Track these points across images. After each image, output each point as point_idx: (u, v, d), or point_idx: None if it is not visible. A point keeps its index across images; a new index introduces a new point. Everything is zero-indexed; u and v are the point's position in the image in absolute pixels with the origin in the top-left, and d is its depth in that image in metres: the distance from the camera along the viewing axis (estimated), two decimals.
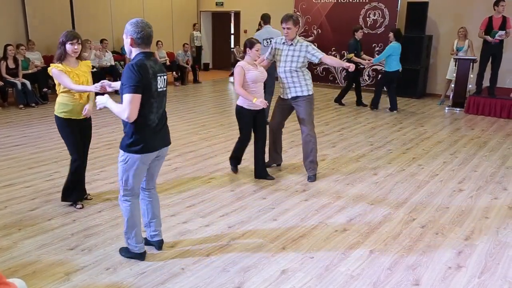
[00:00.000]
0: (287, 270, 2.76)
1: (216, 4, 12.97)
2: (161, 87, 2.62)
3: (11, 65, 7.73)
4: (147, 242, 2.99)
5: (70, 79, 3.29)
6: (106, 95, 2.69)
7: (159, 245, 2.98)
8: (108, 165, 4.77)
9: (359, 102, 8.38)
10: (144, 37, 2.51)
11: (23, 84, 7.67)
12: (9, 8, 8.92)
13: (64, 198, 3.63)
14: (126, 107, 2.45)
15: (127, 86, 2.44)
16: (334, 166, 4.86)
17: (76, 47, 3.34)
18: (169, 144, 2.81)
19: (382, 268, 2.80)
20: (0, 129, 6.22)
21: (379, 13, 9.61)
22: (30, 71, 8.06)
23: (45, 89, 8.10)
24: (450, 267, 2.82)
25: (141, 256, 2.86)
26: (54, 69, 3.30)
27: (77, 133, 3.49)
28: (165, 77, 2.69)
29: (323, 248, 3.04)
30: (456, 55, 8.02)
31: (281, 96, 4.43)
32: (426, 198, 3.98)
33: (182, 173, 4.49)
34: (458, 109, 7.99)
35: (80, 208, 3.61)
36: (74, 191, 3.61)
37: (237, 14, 13.05)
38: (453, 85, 8.03)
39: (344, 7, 10.03)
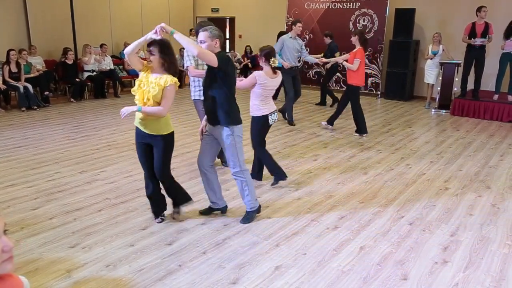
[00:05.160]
0: (281, 266, 2.83)
1: (212, 10, 13.07)
2: None
3: (14, 69, 7.79)
4: (209, 211, 3.60)
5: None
6: None
7: (223, 209, 3.64)
8: (108, 165, 4.80)
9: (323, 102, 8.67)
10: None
11: (25, 87, 7.74)
12: (11, 14, 9.02)
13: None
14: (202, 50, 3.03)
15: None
16: (326, 166, 4.97)
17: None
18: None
19: (372, 264, 2.89)
20: (3, 131, 6.24)
21: (368, 19, 9.80)
22: (32, 75, 8.14)
23: (46, 93, 8.17)
24: (437, 262, 2.92)
25: (259, 208, 3.58)
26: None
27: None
28: None
29: (315, 245, 3.12)
30: (431, 59, 8.28)
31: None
32: (414, 196, 4.10)
33: (179, 173, 4.55)
34: (444, 111, 8.20)
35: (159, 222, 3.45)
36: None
37: (232, 20, 13.17)
38: (438, 88, 8.24)
39: (335, 13, 10.19)
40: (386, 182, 4.46)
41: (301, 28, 6.81)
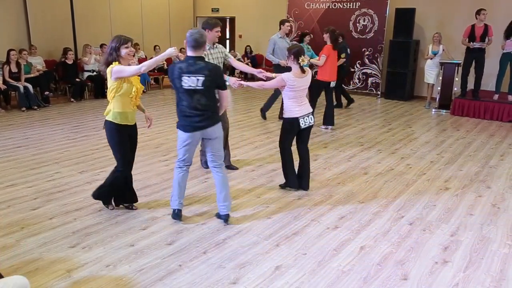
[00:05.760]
0: (281, 266, 2.83)
1: (212, 10, 13.09)
2: (189, 86, 3.11)
3: (14, 69, 7.80)
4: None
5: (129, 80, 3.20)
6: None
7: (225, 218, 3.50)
8: (108, 165, 4.79)
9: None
10: (191, 42, 3.07)
11: (25, 87, 7.76)
12: (12, 14, 9.04)
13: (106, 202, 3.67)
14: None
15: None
16: (326, 166, 4.97)
17: (131, 49, 3.26)
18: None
19: (372, 264, 2.89)
20: (3, 131, 6.25)
21: (368, 19, 9.80)
22: (32, 75, 8.16)
23: (46, 93, 8.19)
24: (437, 262, 2.92)
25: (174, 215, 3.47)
26: (115, 67, 3.12)
27: (128, 139, 3.40)
28: (197, 77, 3.11)
29: (315, 245, 3.12)
30: (431, 59, 8.27)
31: None
32: (414, 196, 4.10)
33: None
34: (444, 111, 8.20)
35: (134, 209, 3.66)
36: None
37: (232, 20, 13.19)
38: (439, 88, 8.24)
39: (335, 13, 10.19)
40: (386, 182, 4.46)
41: (289, 28, 6.99)
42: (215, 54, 4.51)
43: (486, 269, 2.86)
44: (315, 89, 6.52)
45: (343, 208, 3.79)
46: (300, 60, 3.79)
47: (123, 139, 3.34)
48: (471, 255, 3.04)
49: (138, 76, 3.35)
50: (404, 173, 4.74)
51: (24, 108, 7.69)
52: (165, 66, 10.55)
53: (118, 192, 3.57)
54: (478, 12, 7.36)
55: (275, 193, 4.10)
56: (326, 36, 6.38)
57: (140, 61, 10.42)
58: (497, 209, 3.84)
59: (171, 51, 3.16)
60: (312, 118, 4.03)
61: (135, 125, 3.45)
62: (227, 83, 4.24)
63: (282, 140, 4.08)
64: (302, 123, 3.91)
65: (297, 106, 3.89)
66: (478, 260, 2.96)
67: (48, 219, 3.46)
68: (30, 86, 7.80)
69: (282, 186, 4.24)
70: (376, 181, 4.48)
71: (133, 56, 3.37)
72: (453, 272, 2.82)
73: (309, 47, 7.99)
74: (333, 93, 7.02)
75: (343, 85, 8.48)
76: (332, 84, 6.51)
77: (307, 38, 7.90)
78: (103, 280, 2.64)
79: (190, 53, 3.14)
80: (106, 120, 3.32)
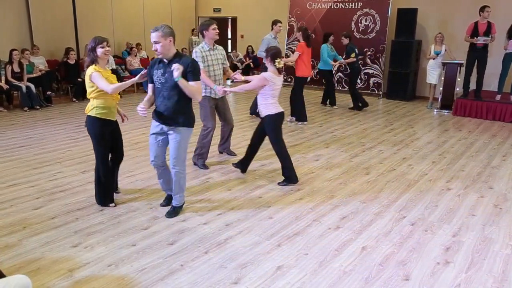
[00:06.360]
0: (282, 266, 2.84)
1: (214, 10, 13.10)
2: None
3: (16, 69, 7.82)
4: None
5: (106, 81, 3.41)
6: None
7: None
8: None
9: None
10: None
11: (27, 87, 7.78)
12: (14, 14, 9.07)
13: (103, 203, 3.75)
14: (200, 91, 3.27)
15: (198, 74, 3.20)
16: (328, 166, 4.97)
17: (107, 49, 3.49)
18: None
19: (374, 264, 2.89)
20: (5, 130, 6.26)
21: (370, 19, 9.79)
22: (34, 75, 8.18)
23: (49, 92, 8.21)
24: (439, 263, 2.92)
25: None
26: (94, 73, 3.37)
27: (109, 136, 3.60)
28: None
29: (317, 245, 3.12)
30: (434, 59, 8.25)
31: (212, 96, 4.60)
32: (416, 196, 4.10)
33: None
34: (446, 111, 8.18)
35: (114, 206, 3.74)
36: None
37: (234, 20, 13.20)
38: (441, 88, 8.23)
39: (337, 13, 10.18)
40: (388, 183, 4.46)
41: (281, 28, 7.17)
42: (214, 56, 4.51)
43: (488, 270, 2.85)
44: (297, 85, 6.91)
45: (344, 208, 3.79)
46: (276, 62, 4.01)
47: (105, 133, 3.54)
48: (473, 255, 3.03)
49: (113, 74, 3.69)
50: (406, 174, 4.74)
51: (26, 108, 7.72)
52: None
53: (109, 186, 3.71)
54: (482, 9, 7.34)
55: (276, 193, 4.10)
56: (298, 34, 6.75)
57: (142, 61, 10.47)
58: (499, 209, 3.83)
59: (137, 78, 3.52)
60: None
61: (116, 121, 3.68)
62: (216, 92, 4.35)
63: (275, 138, 4.22)
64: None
65: (276, 102, 4.15)
66: (480, 261, 2.96)
67: (50, 219, 3.47)
68: (32, 86, 7.82)
69: (283, 184, 4.28)
70: (378, 181, 4.48)
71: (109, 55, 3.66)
72: (455, 272, 2.81)
73: (332, 47, 8.13)
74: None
75: (354, 87, 8.40)
76: (308, 79, 6.91)
77: (331, 38, 8.04)
78: (105, 280, 2.65)
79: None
80: (88, 116, 3.52)
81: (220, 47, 4.71)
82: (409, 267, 2.86)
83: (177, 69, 3.09)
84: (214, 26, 4.34)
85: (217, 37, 4.46)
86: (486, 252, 3.09)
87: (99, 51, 3.44)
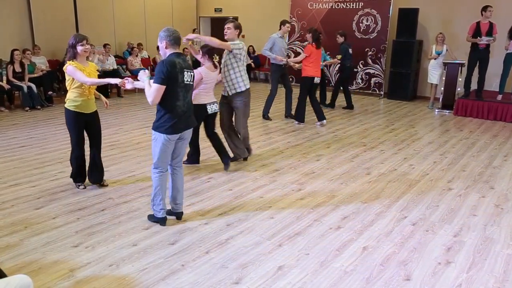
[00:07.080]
0: (284, 266, 2.84)
1: (215, 10, 13.11)
2: (187, 81, 3.19)
3: (18, 69, 7.84)
4: (170, 213, 3.48)
5: (82, 73, 3.64)
6: (147, 79, 3.18)
7: (178, 216, 3.48)
8: (111, 165, 4.81)
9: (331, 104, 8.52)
10: (174, 40, 3.13)
11: (29, 87, 7.79)
12: (15, 14, 9.08)
13: (74, 180, 4.11)
14: (152, 93, 3.05)
15: (157, 77, 3.03)
16: (329, 166, 4.97)
17: (87, 47, 3.73)
18: (192, 127, 3.33)
19: (375, 264, 2.88)
20: (6, 130, 6.27)
21: (371, 19, 9.78)
22: (35, 75, 8.18)
23: (50, 92, 8.22)
24: (440, 263, 2.91)
25: (162, 221, 3.36)
26: (69, 66, 3.65)
27: (82, 126, 3.89)
28: (191, 73, 3.26)
29: (318, 245, 3.12)
30: (435, 59, 8.23)
31: (224, 94, 4.87)
32: (417, 196, 4.10)
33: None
34: (447, 111, 8.17)
35: (83, 188, 4.06)
36: (78, 175, 4.08)
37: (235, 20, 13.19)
38: (442, 88, 8.22)
39: (338, 13, 10.18)
40: (389, 183, 4.45)
41: (289, 29, 7.26)
42: (239, 51, 4.73)
43: (489, 270, 2.85)
44: (302, 86, 6.83)
45: (345, 209, 3.79)
46: (214, 58, 4.52)
47: (78, 124, 3.83)
48: (474, 255, 3.03)
49: (97, 71, 4.01)
50: (407, 174, 4.73)
51: (27, 108, 7.73)
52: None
53: (80, 170, 4.04)
54: (484, 9, 7.32)
55: (277, 193, 4.10)
56: (309, 36, 6.70)
57: (143, 61, 10.47)
58: (500, 209, 3.83)
59: (117, 80, 3.67)
60: (217, 106, 4.65)
61: (94, 112, 3.92)
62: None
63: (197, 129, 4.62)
64: (210, 109, 4.52)
65: (205, 94, 4.48)
66: (481, 261, 2.96)
67: (51, 219, 3.47)
68: (33, 86, 7.83)
69: (232, 160, 4.77)
70: (379, 182, 4.48)
71: (91, 53, 3.86)
72: (456, 272, 2.81)
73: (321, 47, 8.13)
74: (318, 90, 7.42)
75: (345, 87, 8.39)
76: (316, 80, 6.75)
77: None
78: (106, 280, 2.65)
79: (174, 50, 3.17)
80: (64, 108, 3.84)
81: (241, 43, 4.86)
82: (410, 267, 2.86)
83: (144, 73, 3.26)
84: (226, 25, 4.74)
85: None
86: (488, 252, 3.08)
87: (79, 48, 3.68)
